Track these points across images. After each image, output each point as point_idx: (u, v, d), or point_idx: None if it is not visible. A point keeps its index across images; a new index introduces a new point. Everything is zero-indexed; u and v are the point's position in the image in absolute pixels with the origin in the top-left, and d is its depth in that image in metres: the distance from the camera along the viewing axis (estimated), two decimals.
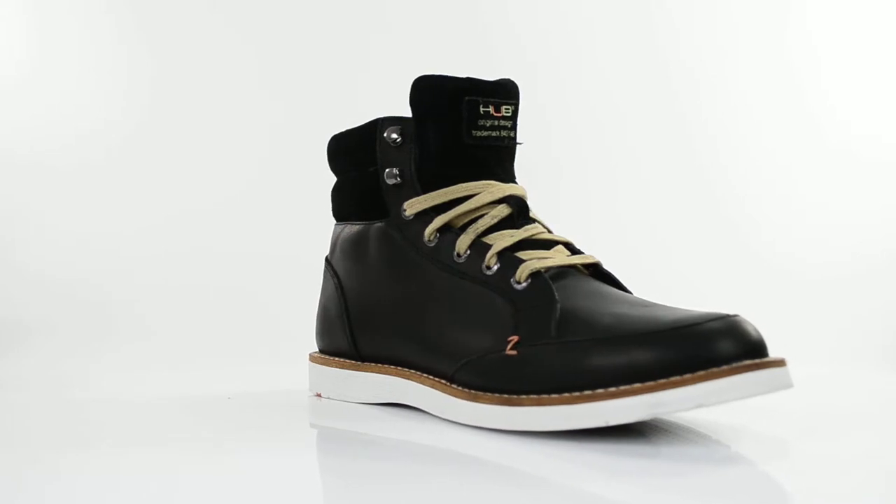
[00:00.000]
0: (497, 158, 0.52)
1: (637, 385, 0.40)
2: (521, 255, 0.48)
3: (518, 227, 0.49)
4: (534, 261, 0.47)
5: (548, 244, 0.49)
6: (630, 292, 0.49)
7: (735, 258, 1.05)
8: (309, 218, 1.03)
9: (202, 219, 1.09)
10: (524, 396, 0.44)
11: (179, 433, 0.49)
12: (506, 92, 0.51)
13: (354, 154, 0.55)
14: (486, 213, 0.49)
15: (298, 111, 1.13)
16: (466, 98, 0.50)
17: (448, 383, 0.48)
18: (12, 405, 0.61)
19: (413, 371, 0.52)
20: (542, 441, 0.43)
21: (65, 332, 0.92)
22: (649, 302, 0.46)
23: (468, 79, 0.51)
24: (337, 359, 0.57)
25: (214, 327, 0.93)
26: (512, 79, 0.53)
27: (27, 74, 1.14)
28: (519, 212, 0.50)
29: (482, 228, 0.49)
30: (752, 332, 0.41)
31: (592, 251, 0.51)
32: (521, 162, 0.55)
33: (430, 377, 0.50)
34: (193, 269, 1.03)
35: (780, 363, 0.41)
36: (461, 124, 0.50)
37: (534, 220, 0.51)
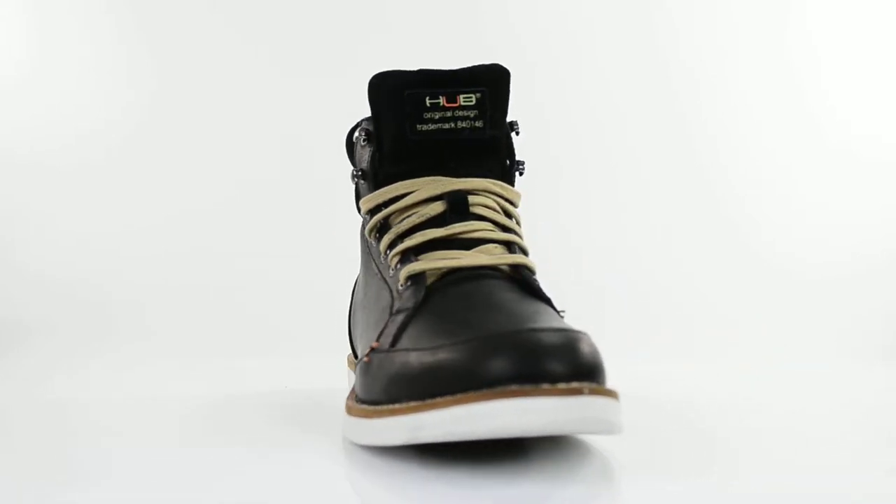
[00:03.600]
0: (454, 151, 0.48)
1: (412, 403, 0.36)
2: (427, 255, 0.45)
3: (446, 224, 0.46)
4: (419, 263, 0.44)
5: (471, 244, 0.45)
6: (548, 301, 0.44)
7: (735, 258, 1.05)
8: (308, 218, 1.03)
9: (202, 219, 1.08)
10: (354, 406, 0.42)
11: (175, 433, 0.49)
12: (467, 80, 0.48)
13: (348, 154, 0.55)
14: (415, 212, 0.47)
15: (300, 110, 1.13)
16: (406, 91, 0.47)
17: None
18: (9, 406, 0.61)
19: None
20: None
21: (65, 332, 0.92)
22: (539, 312, 0.40)
23: (418, 71, 0.48)
24: (353, 359, 0.58)
25: (214, 327, 0.93)
26: (496, 63, 0.49)
27: (27, 74, 1.14)
28: (454, 208, 0.46)
29: (404, 228, 0.46)
30: (585, 353, 0.35)
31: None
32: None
33: None
34: (193, 269, 1.03)
35: (597, 391, 0.34)
36: (405, 119, 0.47)
37: (481, 217, 0.47)
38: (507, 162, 0.50)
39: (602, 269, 1.02)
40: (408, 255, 0.45)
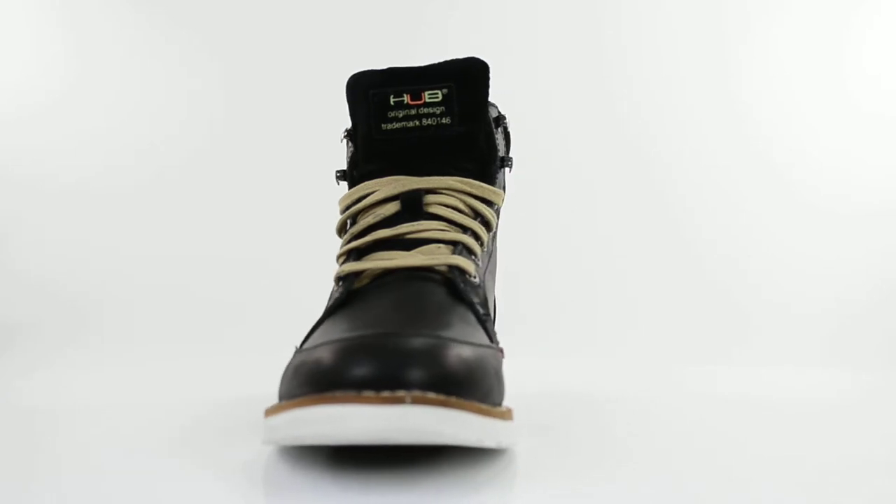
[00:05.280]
0: (419, 150, 0.47)
1: (277, 404, 0.35)
2: (370, 256, 0.44)
3: (396, 224, 0.45)
4: (350, 264, 0.44)
5: (416, 244, 0.45)
6: (470, 304, 0.42)
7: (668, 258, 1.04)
8: (310, 219, 1.02)
9: (193, 219, 1.07)
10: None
11: (159, 434, 0.47)
12: (433, 76, 0.47)
13: None
14: (372, 213, 0.46)
15: (302, 112, 1.12)
16: (371, 91, 0.47)
17: None
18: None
19: None
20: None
21: (47, 333, 0.91)
22: (439, 317, 0.38)
23: (385, 69, 0.47)
24: None
25: (205, 328, 0.92)
26: (471, 57, 0.47)
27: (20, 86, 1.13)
28: (407, 208, 0.46)
29: (359, 229, 0.46)
30: (441, 362, 0.33)
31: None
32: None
33: None
34: (184, 271, 1.02)
35: (423, 400, 0.31)
36: (371, 119, 0.47)
37: (435, 217, 0.46)
38: (487, 158, 0.49)
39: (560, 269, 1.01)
40: (351, 256, 0.45)
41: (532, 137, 0.76)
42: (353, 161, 0.49)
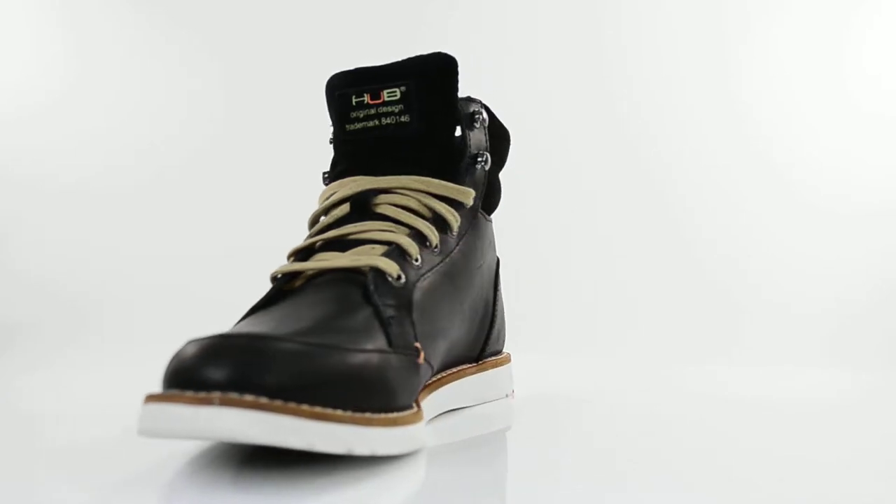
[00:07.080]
0: (379, 149, 0.47)
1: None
2: (314, 257, 0.44)
3: (343, 225, 0.45)
4: (285, 265, 0.44)
5: (355, 244, 0.44)
6: (376, 306, 0.40)
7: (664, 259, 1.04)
8: (300, 220, 1.02)
9: (191, 222, 1.07)
10: None
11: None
12: (392, 74, 0.46)
13: None
14: (330, 214, 0.46)
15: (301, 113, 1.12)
16: (337, 93, 0.47)
17: None
18: None
19: None
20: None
21: (50, 333, 0.91)
22: (326, 321, 0.38)
23: (351, 70, 0.48)
24: None
25: (205, 328, 0.91)
26: (437, 52, 0.47)
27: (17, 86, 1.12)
28: (356, 209, 0.45)
29: (315, 231, 0.46)
30: (298, 368, 0.33)
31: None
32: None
33: None
34: (181, 272, 1.02)
35: (231, 402, 0.31)
36: (337, 120, 0.48)
37: (383, 217, 0.45)
38: (454, 156, 0.48)
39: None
40: (298, 256, 0.45)
41: (532, 137, 0.76)
42: (332, 162, 0.50)
